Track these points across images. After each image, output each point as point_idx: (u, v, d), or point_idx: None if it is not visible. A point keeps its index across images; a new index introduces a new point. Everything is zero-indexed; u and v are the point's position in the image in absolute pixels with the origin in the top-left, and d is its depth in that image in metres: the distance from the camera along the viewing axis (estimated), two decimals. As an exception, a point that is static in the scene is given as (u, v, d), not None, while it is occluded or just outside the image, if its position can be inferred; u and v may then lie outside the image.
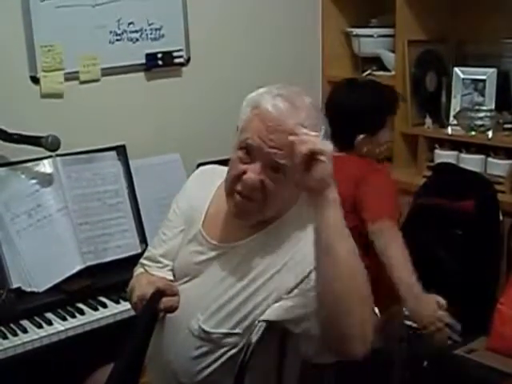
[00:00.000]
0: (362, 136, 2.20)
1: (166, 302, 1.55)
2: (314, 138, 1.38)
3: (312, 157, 1.34)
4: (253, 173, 1.48)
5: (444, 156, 2.81)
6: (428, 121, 2.96)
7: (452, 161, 2.76)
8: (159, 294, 1.55)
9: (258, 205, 1.51)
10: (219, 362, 1.55)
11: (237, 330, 1.53)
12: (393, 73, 3.07)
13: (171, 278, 1.67)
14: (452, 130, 2.84)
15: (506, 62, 2.91)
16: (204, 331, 1.56)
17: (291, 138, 1.38)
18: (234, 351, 1.54)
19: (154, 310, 1.56)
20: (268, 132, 1.46)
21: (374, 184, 2.11)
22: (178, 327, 1.60)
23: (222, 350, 1.55)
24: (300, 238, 1.53)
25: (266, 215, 1.55)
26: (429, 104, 3.00)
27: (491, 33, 2.91)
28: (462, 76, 2.85)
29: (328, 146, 1.37)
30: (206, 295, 1.58)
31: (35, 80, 2.45)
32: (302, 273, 1.48)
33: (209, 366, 1.56)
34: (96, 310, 2.15)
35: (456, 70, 2.85)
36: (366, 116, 2.21)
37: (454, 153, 2.81)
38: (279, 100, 1.48)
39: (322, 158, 1.34)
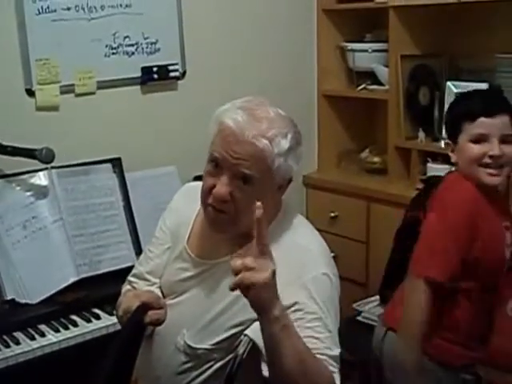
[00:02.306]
0: None
1: (151, 315, 1.57)
2: (252, 270, 1.30)
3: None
4: (221, 185, 1.51)
5: (436, 169, 2.82)
6: (421, 134, 2.98)
7: (444, 174, 2.76)
8: (144, 307, 1.56)
9: (230, 216, 1.53)
10: (205, 374, 1.57)
11: (222, 345, 1.55)
12: (386, 87, 3.10)
13: (159, 294, 1.68)
14: (444, 143, 2.85)
15: (498, 77, 2.92)
16: (189, 347, 1.57)
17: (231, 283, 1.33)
18: (219, 364, 1.56)
19: (140, 323, 1.56)
20: (231, 144, 1.49)
21: None
22: (165, 343, 1.62)
23: (208, 365, 1.56)
24: (281, 253, 1.51)
25: (241, 227, 1.55)
26: (422, 118, 3.03)
27: (484, 47, 2.94)
28: (454, 90, 2.85)
29: (266, 271, 1.31)
30: (192, 311, 1.59)
31: (31, 93, 2.48)
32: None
33: (195, 379, 1.58)
34: (89, 321, 2.15)
35: (449, 84, 2.87)
36: None
37: (446, 166, 2.82)
38: (239, 113, 1.50)
39: (252, 291, 1.31)
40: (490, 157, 1.97)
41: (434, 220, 2.02)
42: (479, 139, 1.99)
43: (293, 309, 1.47)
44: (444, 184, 2.11)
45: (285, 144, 1.51)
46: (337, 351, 1.48)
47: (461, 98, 2.20)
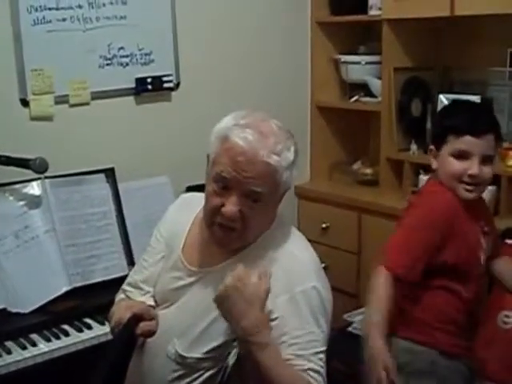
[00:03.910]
0: None
1: (143, 326, 1.58)
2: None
3: None
4: (231, 205, 1.51)
5: (428, 181, 2.84)
6: (413, 147, 3.00)
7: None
8: (136, 318, 1.57)
9: (238, 233, 1.55)
10: (195, 383, 1.57)
11: (212, 354, 1.56)
12: (379, 99, 3.12)
13: (152, 303, 1.69)
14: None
15: (490, 90, 2.95)
16: (180, 355, 1.58)
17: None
18: (210, 373, 1.56)
19: (131, 335, 1.57)
20: (242, 164, 1.48)
21: None
22: (156, 352, 1.63)
23: (198, 373, 1.57)
24: (273, 262, 1.55)
25: (247, 241, 1.59)
26: (414, 130, 3.05)
27: (476, 60, 2.98)
28: (446, 103, 2.88)
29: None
30: (183, 320, 1.60)
31: (25, 103, 2.49)
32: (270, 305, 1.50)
33: None
34: (81, 331, 2.15)
35: (441, 96, 2.88)
36: None
37: (438, 178, 2.84)
38: (248, 132, 1.49)
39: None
40: (469, 175, 2.01)
41: (411, 217, 2.08)
42: (461, 155, 2.02)
43: (279, 323, 1.48)
44: (424, 188, 2.18)
45: (290, 156, 1.54)
46: (322, 368, 1.49)
47: (452, 107, 2.24)
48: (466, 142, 2.00)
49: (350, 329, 2.70)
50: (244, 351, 1.44)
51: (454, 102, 2.42)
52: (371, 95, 3.23)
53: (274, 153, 1.50)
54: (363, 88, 3.26)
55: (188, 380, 1.58)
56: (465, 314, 2.11)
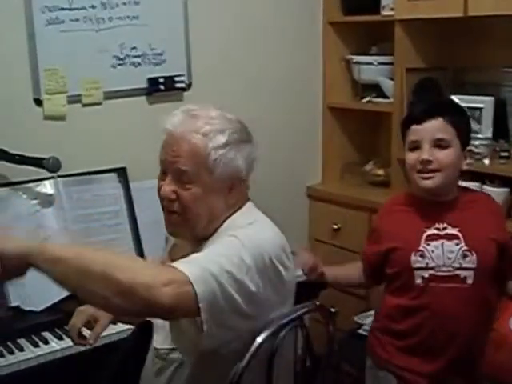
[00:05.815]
0: None
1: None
2: None
3: None
4: (166, 185, 1.58)
5: (440, 183, 2.83)
6: (425, 147, 2.99)
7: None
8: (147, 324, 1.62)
9: (180, 217, 1.58)
10: (175, 377, 1.60)
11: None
12: (391, 100, 3.11)
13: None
14: None
15: (503, 91, 2.93)
16: (155, 348, 1.63)
17: None
18: (185, 368, 1.58)
19: (143, 341, 1.62)
20: (170, 145, 1.57)
21: None
22: None
23: (175, 365, 1.60)
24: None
25: (194, 228, 1.60)
26: (426, 131, 3.03)
27: (489, 61, 2.95)
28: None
29: None
30: None
31: (38, 102, 2.50)
32: None
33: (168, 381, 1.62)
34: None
35: (453, 97, 2.88)
36: None
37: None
38: (177, 114, 1.59)
39: None
40: (421, 162, 2.01)
41: None
42: (414, 146, 2.04)
43: None
44: None
45: (221, 138, 1.56)
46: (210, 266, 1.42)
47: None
48: (413, 131, 2.05)
49: (360, 331, 2.69)
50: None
51: None
52: (383, 96, 3.22)
53: (197, 132, 1.55)
54: (375, 89, 3.25)
55: (168, 373, 1.61)
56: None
